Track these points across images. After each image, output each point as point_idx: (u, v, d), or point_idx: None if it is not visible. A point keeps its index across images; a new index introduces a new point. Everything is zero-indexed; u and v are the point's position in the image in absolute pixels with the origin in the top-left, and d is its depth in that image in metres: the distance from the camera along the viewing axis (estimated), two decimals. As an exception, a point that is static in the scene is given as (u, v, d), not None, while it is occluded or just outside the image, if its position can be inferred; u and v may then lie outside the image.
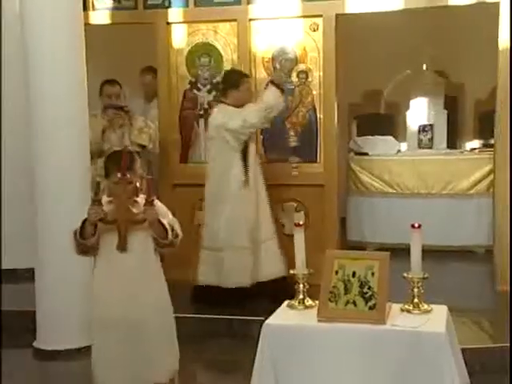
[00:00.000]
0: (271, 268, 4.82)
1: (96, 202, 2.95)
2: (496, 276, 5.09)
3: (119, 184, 2.94)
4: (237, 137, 4.73)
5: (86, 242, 2.96)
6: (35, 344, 4.38)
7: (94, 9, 5.58)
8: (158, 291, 3.11)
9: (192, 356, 4.00)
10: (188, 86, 5.57)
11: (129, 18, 5.57)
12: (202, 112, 5.54)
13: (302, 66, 5.43)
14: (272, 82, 4.92)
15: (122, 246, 2.95)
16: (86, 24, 4.72)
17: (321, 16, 5.28)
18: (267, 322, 2.86)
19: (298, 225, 3.06)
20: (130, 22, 5.58)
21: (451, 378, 2.66)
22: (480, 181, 6.10)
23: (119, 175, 2.92)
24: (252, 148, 4.88)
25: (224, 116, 4.77)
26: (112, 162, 3.06)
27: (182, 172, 5.57)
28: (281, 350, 2.78)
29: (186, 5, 5.45)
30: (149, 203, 2.95)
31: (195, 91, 5.55)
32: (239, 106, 4.79)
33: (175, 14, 5.48)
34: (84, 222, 2.97)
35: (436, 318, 2.80)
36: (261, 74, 5.48)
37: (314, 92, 5.43)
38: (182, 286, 4.42)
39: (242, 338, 4.36)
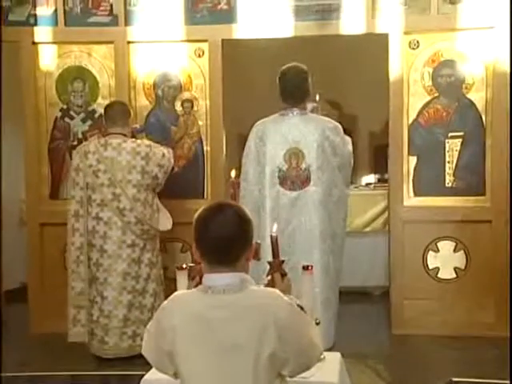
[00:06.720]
0: None
1: None
2: (392, 319, 4.90)
3: None
4: None
5: None
6: None
7: None
8: None
9: None
10: (59, 114, 5.04)
11: (-10, 35, 4.97)
12: (75, 143, 4.99)
13: (186, 94, 5.03)
14: None
15: None
16: None
17: (206, 41, 4.94)
18: (145, 377, 2.60)
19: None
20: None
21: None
22: (376, 218, 5.92)
23: None
24: None
25: None
26: None
27: (51, 210, 4.98)
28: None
29: (55, 23, 4.92)
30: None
31: (67, 119, 5.03)
32: None
33: (43, 33, 4.94)
34: None
35: (328, 367, 2.61)
36: (141, 101, 5.03)
37: (201, 122, 5.04)
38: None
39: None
